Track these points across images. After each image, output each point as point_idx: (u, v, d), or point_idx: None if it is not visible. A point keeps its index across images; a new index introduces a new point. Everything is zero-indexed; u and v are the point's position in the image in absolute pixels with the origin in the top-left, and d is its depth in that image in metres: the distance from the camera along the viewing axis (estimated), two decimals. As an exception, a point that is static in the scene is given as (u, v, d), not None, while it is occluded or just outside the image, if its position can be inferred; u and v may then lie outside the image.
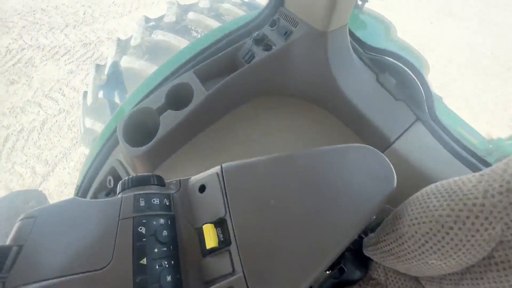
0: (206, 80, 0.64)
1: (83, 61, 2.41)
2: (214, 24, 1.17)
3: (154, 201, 0.32)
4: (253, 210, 0.30)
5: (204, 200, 0.33)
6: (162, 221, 0.31)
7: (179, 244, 0.31)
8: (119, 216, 0.30)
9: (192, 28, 1.16)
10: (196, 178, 0.35)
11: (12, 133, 2.01)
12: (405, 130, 0.60)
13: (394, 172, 0.31)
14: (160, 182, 0.35)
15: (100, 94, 1.13)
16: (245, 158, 0.34)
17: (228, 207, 0.31)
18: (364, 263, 0.43)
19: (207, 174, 0.34)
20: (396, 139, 0.59)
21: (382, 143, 0.60)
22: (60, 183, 1.82)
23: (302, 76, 0.66)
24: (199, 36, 1.13)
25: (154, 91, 0.66)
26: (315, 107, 0.68)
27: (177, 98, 0.63)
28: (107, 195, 0.68)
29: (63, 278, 0.26)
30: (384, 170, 0.31)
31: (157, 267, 0.27)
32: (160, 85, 0.69)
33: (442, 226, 0.27)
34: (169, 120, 0.60)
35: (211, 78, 0.65)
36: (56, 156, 1.92)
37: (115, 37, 1.49)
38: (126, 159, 0.66)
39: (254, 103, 0.70)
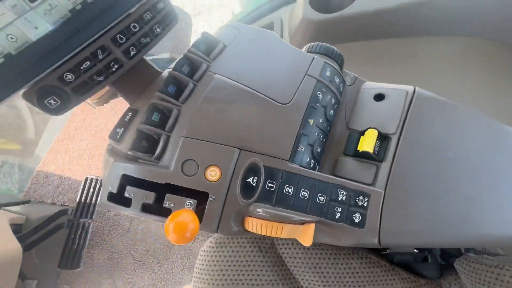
0: None
1: None
2: None
3: (336, 78, 0.32)
4: (426, 147, 0.28)
5: (375, 108, 0.31)
6: (333, 101, 0.31)
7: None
8: (306, 71, 0.30)
9: None
10: (374, 85, 0.33)
11: None
12: None
13: None
14: (341, 64, 0.34)
15: None
16: None
17: (402, 128, 0.28)
18: (444, 268, 0.41)
19: (392, 86, 0.32)
20: None
21: None
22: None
23: None
24: None
25: None
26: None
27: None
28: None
29: (252, 91, 0.28)
30: None
31: (315, 134, 0.29)
32: None
33: None
34: (370, 0, 0.49)
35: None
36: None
37: None
38: (291, 23, 0.59)
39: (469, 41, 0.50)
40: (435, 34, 0.52)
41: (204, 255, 0.43)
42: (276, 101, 0.28)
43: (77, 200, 1.25)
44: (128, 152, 0.26)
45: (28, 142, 1.42)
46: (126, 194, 0.25)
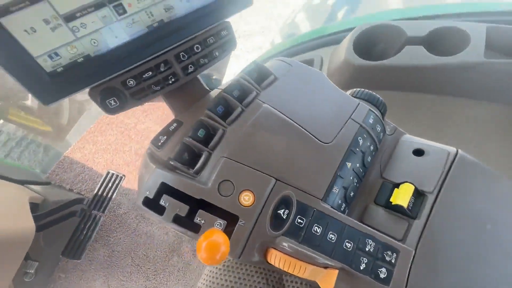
0: (491, 49, 0.49)
1: None
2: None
3: (377, 126, 0.33)
4: (463, 213, 0.27)
5: (413, 163, 0.31)
6: (372, 148, 0.32)
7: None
8: (350, 115, 0.31)
9: None
10: (413, 139, 0.33)
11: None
12: None
13: None
14: (384, 113, 0.35)
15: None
16: None
17: (440, 188, 0.28)
18: None
19: (433, 144, 0.32)
20: None
21: None
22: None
23: None
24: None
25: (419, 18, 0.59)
26: None
27: (437, 41, 0.52)
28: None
29: (297, 125, 0.29)
30: None
31: (351, 177, 0.29)
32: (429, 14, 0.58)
33: None
34: (414, 55, 0.50)
35: (497, 49, 0.50)
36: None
37: None
38: (332, 63, 0.61)
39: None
40: (478, 98, 0.52)
41: (210, 275, 0.42)
42: (318, 139, 0.28)
43: (95, 191, 1.29)
44: (170, 162, 0.27)
45: (60, 127, 1.51)
46: (161, 202, 0.25)
